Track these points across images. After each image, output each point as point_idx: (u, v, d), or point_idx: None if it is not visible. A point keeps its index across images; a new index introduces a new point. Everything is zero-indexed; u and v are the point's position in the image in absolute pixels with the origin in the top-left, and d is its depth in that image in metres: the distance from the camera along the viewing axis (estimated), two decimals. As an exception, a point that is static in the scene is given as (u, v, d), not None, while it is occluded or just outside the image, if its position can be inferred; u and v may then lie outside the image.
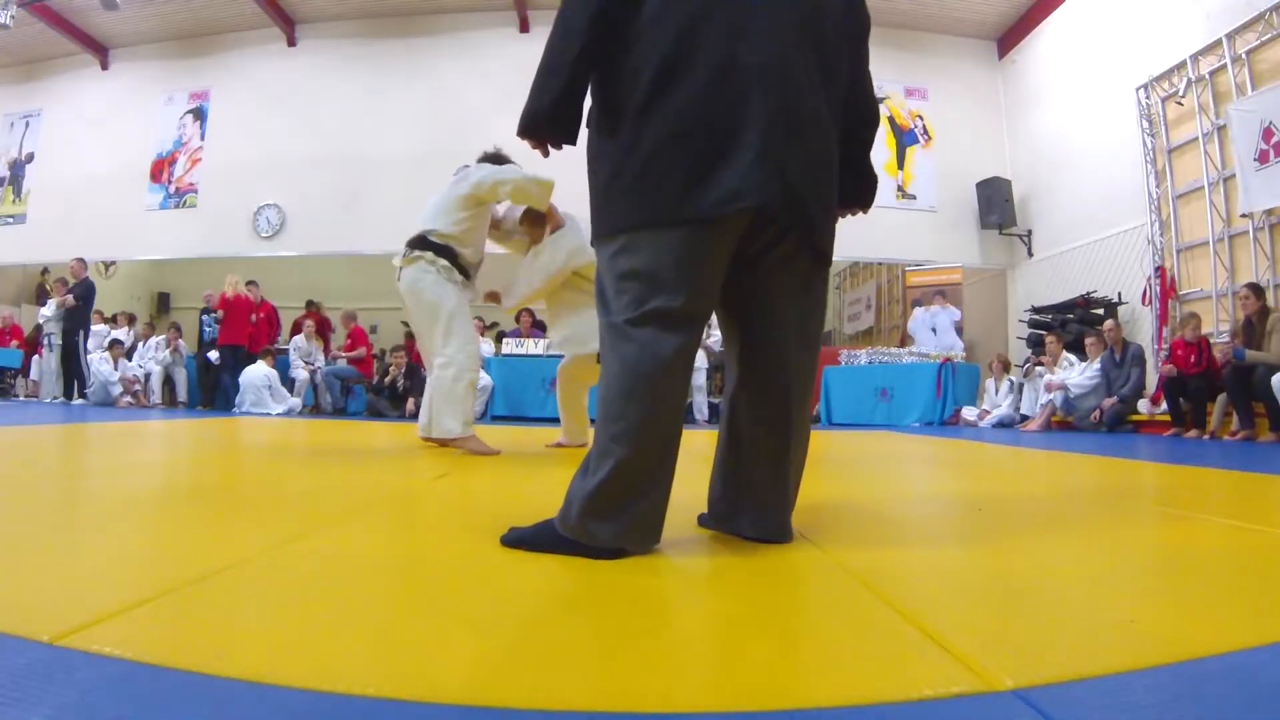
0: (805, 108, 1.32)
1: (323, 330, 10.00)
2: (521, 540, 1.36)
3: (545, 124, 1.35)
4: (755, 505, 1.45)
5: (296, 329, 9.94)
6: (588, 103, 1.39)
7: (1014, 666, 0.75)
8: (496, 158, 3.75)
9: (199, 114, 11.52)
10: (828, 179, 1.38)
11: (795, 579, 1.23)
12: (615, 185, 1.33)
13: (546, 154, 1.43)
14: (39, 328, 10.41)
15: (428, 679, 0.72)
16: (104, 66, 12.11)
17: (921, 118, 10.70)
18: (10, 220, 12.08)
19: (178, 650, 0.78)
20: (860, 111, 1.48)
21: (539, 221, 3.71)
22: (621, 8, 1.30)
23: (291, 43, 11.43)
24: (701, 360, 8.41)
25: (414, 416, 8.32)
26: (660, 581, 1.19)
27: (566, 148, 1.39)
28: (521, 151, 1.62)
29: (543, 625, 0.95)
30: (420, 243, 3.53)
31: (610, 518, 1.28)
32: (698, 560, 1.33)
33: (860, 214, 1.62)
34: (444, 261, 3.50)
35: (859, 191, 1.55)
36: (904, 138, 10.62)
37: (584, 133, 1.40)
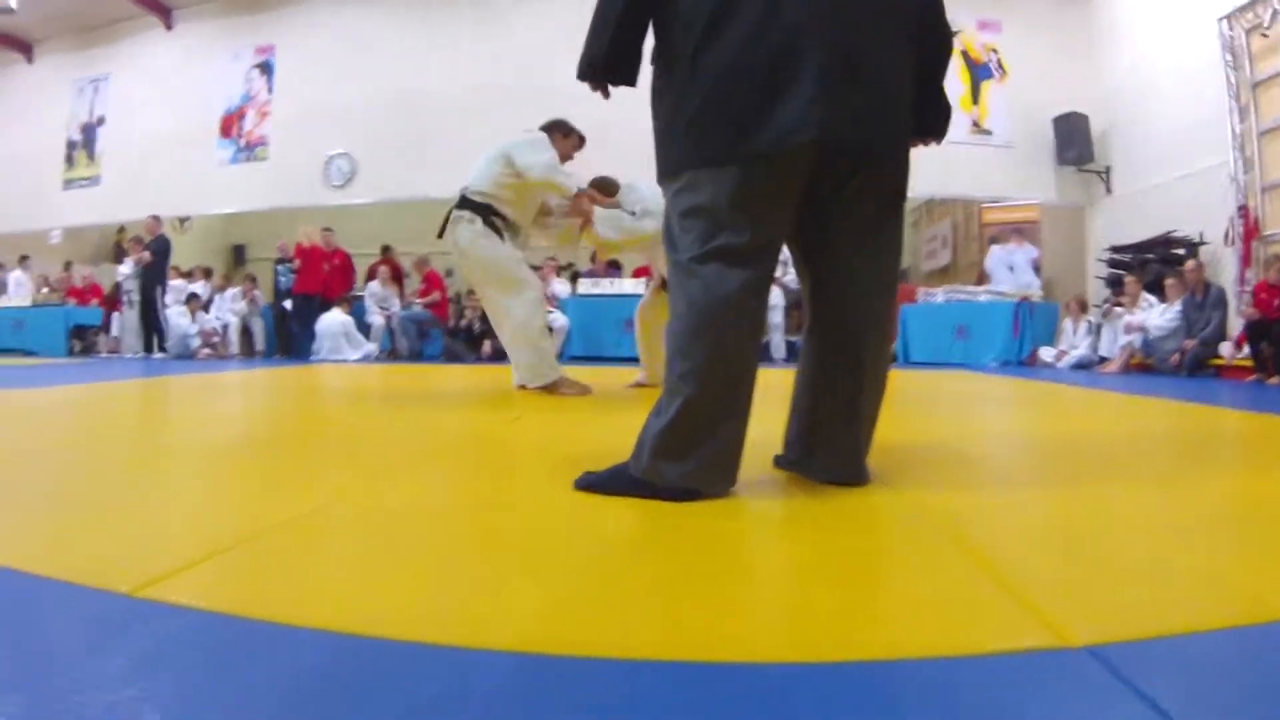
0: (864, 41, 1.35)
1: (397, 276, 10.46)
2: (594, 484, 1.41)
3: (601, 68, 1.44)
4: (830, 447, 1.49)
5: (371, 275, 10.41)
6: (648, 43, 1.46)
7: (1088, 622, 0.75)
8: (553, 126, 3.94)
9: (265, 68, 11.97)
10: (894, 113, 1.41)
11: (870, 524, 1.24)
12: (675, 124, 1.39)
13: (607, 95, 1.50)
14: (118, 285, 11.07)
15: (495, 626, 0.75)
16: (168, 27, 12.59)
17: (996, 51, 10.66)
18: (85, 182, 12.77)
19: (250, 600, 0.83)
20: (929, 40, 1.48)
21: (579, 210, 3.86)
22: None
23: (353, -8, 11.73)
24: (778, 298, 8.66)
25: (490, 359, 8.86)
26: (732, 525, 1.20)
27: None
28: (583, 95, 1.61)
29: (611, 571, 0.98)
30: (462, 203, 3.78)
31: (680, 457, 1.30)
32: (771, 504, 1.35)
33: (934, 144, 1.66)
34: (485, 218, 3.71)
35: (932, 121, 1.57)
36: (978, 72, 10.61)
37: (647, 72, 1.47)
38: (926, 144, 1.63)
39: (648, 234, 3.72)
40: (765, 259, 1.39)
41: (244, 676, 0.65)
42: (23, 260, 12.48)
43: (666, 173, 1.43)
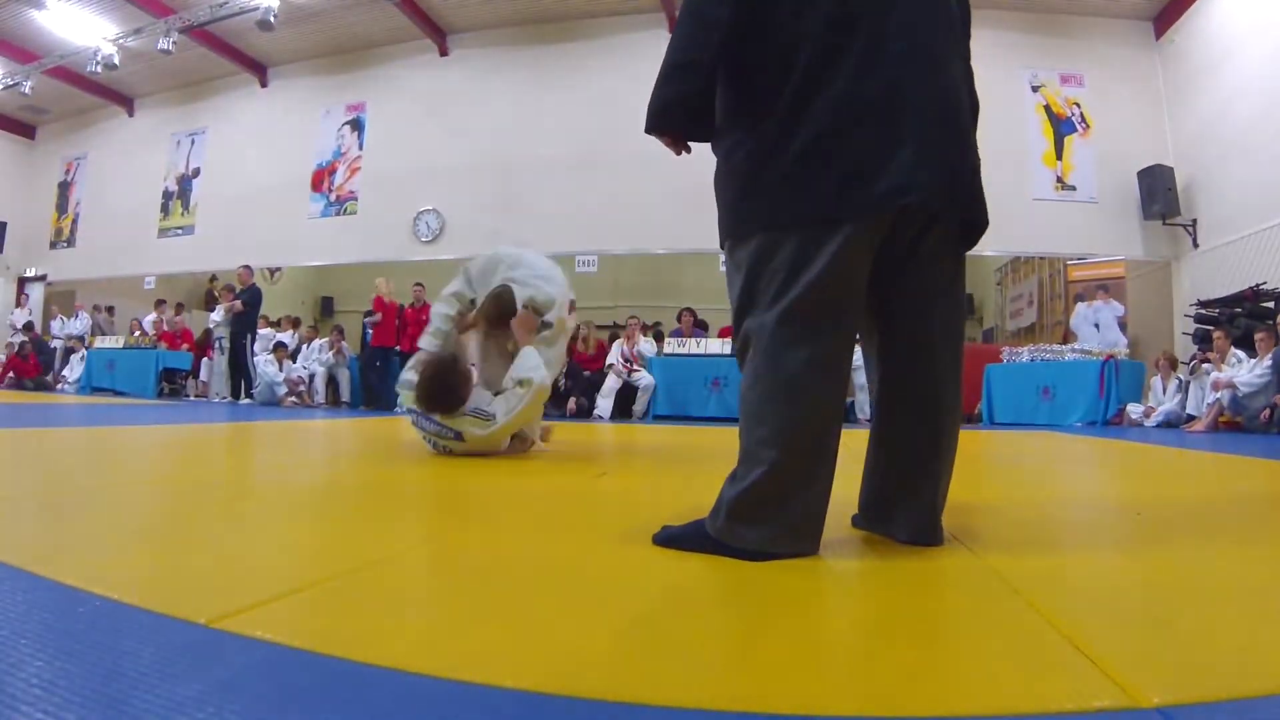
0: (955, 94, 1.42)
1: (483, 330, 11.59)
2: (672, 539, 1.45)
3: (680, 118, 1.46)
4: (905, 506, 1.53)
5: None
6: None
7: (1161, 683, 0.78)
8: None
9: (356, 125, 13.57)
10: (977, 164, 1.47)
11: (944, 582, 1.28)
12: (761, 181, 1.40)
13: (679, 152, 1.53)
14: (208, 331, 12.38)
15: (566, 673, 0.80)
16: (263, 84, 14.39)
17: (1079, 105, 11.53)
18: (180, 231, 14.52)
19: (326, 637, 0.89)
20: (973, 100, 1.54)
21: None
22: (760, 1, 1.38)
23: (444, 53, 13.35)
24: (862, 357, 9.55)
25: (574, 415, 9.90)
26: (806, 582, 1.26)
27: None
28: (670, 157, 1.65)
29: (685, 622, 1.03)
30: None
31: (758, 522, 1.35)
32: (845, 562, 1.40)
33: None
34: None
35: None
36: (1061, 126, 11.49)
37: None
38: None
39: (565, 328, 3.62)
40: (850, 318, 1.42)
41: (314, 710, 0.69)
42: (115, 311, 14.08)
43: (743, 233, 1.44)
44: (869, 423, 1.62)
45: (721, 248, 1.53)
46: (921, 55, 1.39)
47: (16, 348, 13.88)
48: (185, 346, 13.40)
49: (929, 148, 1.36)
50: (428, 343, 3.61)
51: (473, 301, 3.68)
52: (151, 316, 13.51)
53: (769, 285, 1.40)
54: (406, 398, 3.53)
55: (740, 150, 1.44)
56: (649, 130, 1.48)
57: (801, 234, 1.37)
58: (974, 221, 1.49)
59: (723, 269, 1.58)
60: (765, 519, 1.36)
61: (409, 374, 3.53)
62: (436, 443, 3.47)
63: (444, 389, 3.31)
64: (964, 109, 1.46)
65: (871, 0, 1.39)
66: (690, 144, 1.53)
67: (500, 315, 3.54)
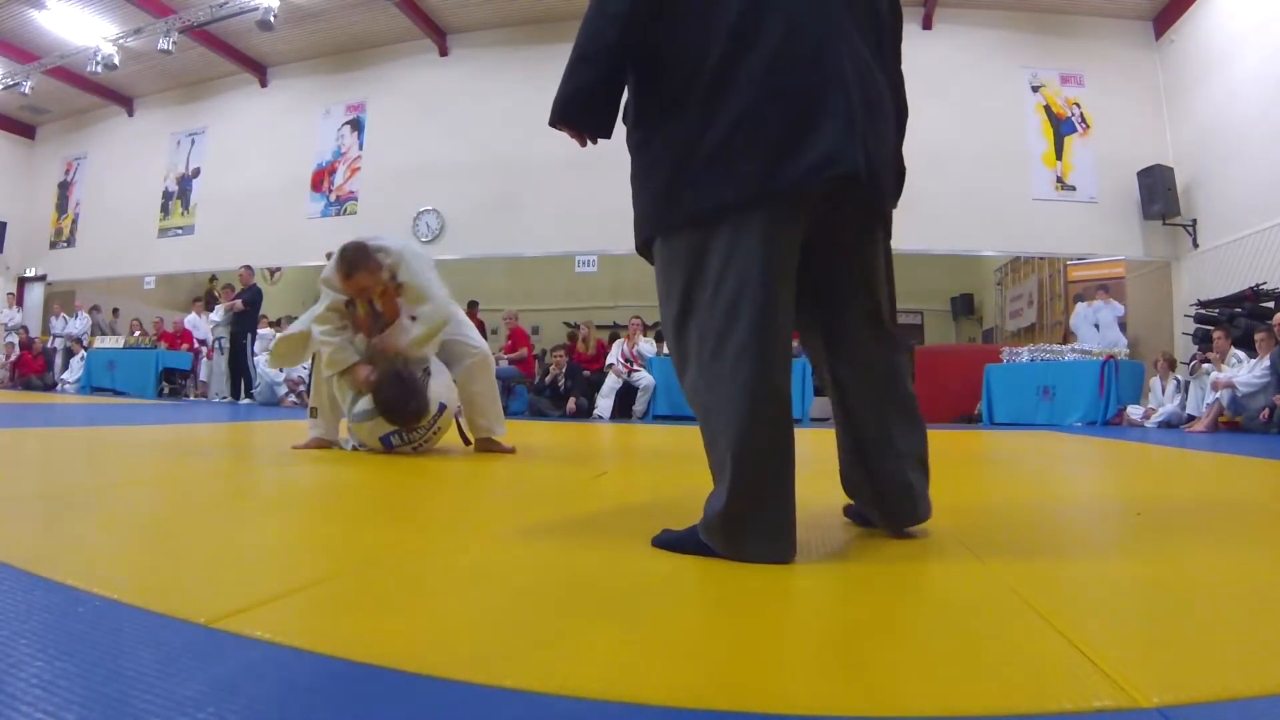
0: (874, 85, 1.44)
1: (482, 331, 11.65)
2: (671, 543, 1.46)
3: (580, 112, 1.43)
4: (887, 489, 1.57)
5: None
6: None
7: (1162, 683, 0.78)
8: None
9: (356, 125, 13.59)
10: (892, 154, 1.49)
11: (944, 582, 1.29)
12: (687, 168, 1.36)
13: (584, 144, 1.49)
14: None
15: (566, 673, 0.80)
16: (263, 84, 14.41)
17: (1079, 105, 11.54)
18: (180, 232, 14.53)
19: (326, 637, 0.89)
20: (900, 105, 1.57)
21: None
22: None
23: (443, 53, 13.37)
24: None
25: (575, 415, 9.92)
26: (805, 582, 1.26)
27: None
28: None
29: (685, 623, 1.03)
30: None
31: (734, 534, 1.35)
32: (845, 562, 1.42)
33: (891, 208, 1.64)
34: None
35: (896, 184, 1.61)
36: (1061, 126, 11.50)
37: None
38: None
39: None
40: (788, 308, 1.40)
41: (314, 709, 0.69)
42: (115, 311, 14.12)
43: (674, 224, 1.41)
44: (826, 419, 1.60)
45: (640, 249, 1.52)
46: (838, 41, 1.39)
47: (26, 345, 13.91)
48: (185, 347, 13.40)
49: (850, 126, 1.35)
50: (339, 363, 3.48)
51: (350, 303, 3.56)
52: (191, 316, 13.39)
53: (709, 283, 1.37)
54: (365, 430, 3.46)
55: (657, 141, 1.43)
56: (551, 123, 1.47)
57: (734, 221, 1.35)
58: (878, 203, 1.50)
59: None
60: (739, 531, 1.36)
61: (360, 408, 3.45)
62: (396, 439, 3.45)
63: (407, 396, 3.30)
64: (884, 100, 1.47)
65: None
66: (596, 138, 1.48)
67: (349, 274, 3.38)
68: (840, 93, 1.35)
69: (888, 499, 1.59)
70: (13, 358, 14.03)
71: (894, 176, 1.55)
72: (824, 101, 1.35)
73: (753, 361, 1.32)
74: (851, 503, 1.71)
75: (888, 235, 1.59)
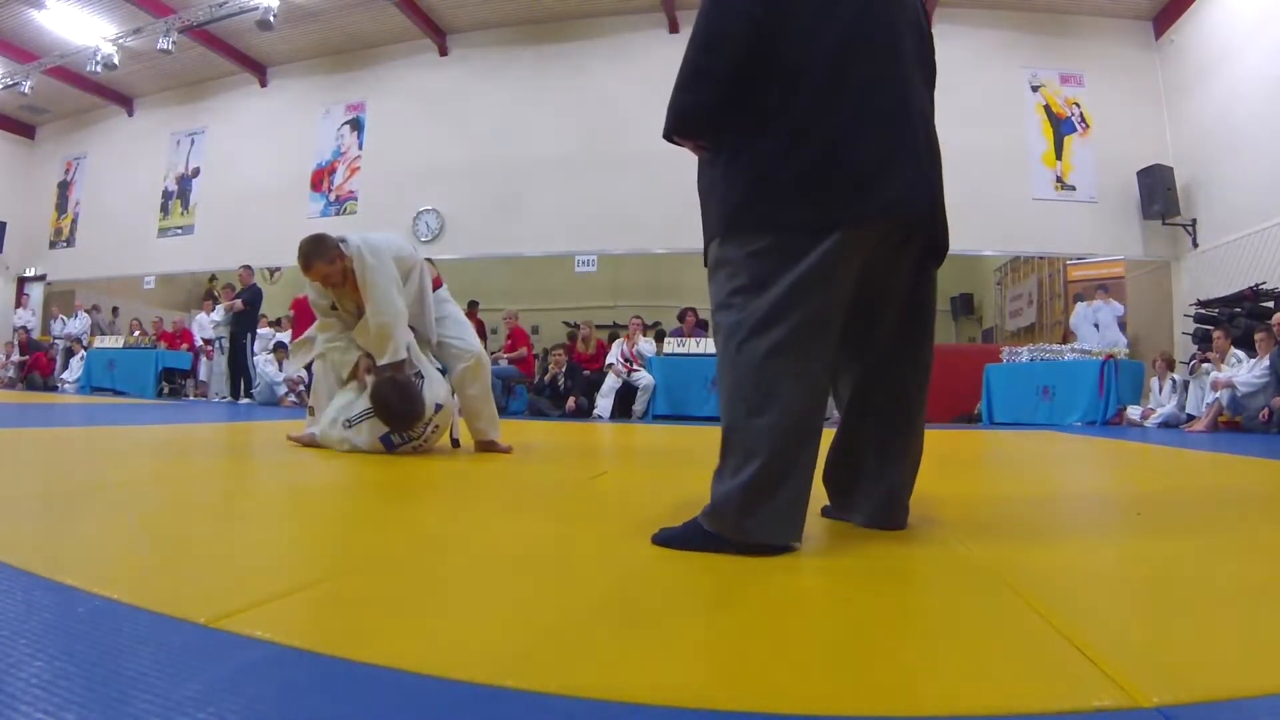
0: (933, 127, 1.62)
1: (482, 332, 11.63)
2: (670, 540, 1.48)
3: (703, 122, 1.53)
4: (866, 494, 1.68)
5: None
6: None
7: (1161, 683, 0.78)
8: None
9: (356, 125, 13.59)
10: (942, 191, 1.62)
11: (943, 581, 1.29)
12: (770, 184, 1.46)
13: (701, 154, 1.59)
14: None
15: (566, 672, 0.80)
16: (263, 84, 14.41)
17: (1078, 105, 11.56)
18: (180, 231, 14.54)
19: (326, 636, 0.89)
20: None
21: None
22: (775, 15, 1.47)
23: (443, 52, 13.37)
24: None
25: (574, 414, 9.92)
26: (803, 581, 1.27)
27: None
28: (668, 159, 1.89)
29: (684, 622, 1.03)
30: None
31: (754, 514, 1.40)
32: (843, 561, 1.42)
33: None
34: None
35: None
36: (1061, 126, 11.52)
37: None
38: None
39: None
40: (837, 319, 1.50)
41: (314, 709, 0.70)
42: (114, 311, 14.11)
43: (746, 229, 1.49)
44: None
45: (708, 245, 1.58)
46: (915, 81, 1.55)
47: (30, 346, 13.92)
48: (185, 346, 13.39)
49: (921, 166, 1.50)
50: (346, 364, 3.60)
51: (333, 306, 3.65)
52: (201, 315, 13.31)
53: (767, 284, 1.45)
54: (364, 430, 3.48)
55: (749, 151, 1.50)
56: (665, 135, 1.56)
57: (806, 238, 1.44)
58: (942, 243, 1.64)
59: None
60: (759, 510, 1.41)
61: (358, 409, 3.50)
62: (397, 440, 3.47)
63: (403, 400, 3.36)
64: (938, 149, 1.61)
65: (883, 25, 1.52)
66: (708, 150, 1.58)
67: (305, 266, 3.43)
68: (914, 138, 1.50)
69: (877, 507, 1.68)
70: (13, 357, 14.00)
71: (944, 212, 1.65)
72: (903, 144, 1.49)
73: (802, 351, 1.44)
74: (829, 505, 1.80)
75: (938, 262, 1.70)
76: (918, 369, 1.68)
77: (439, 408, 3.51)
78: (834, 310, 1.48)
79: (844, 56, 1.47)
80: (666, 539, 1.51)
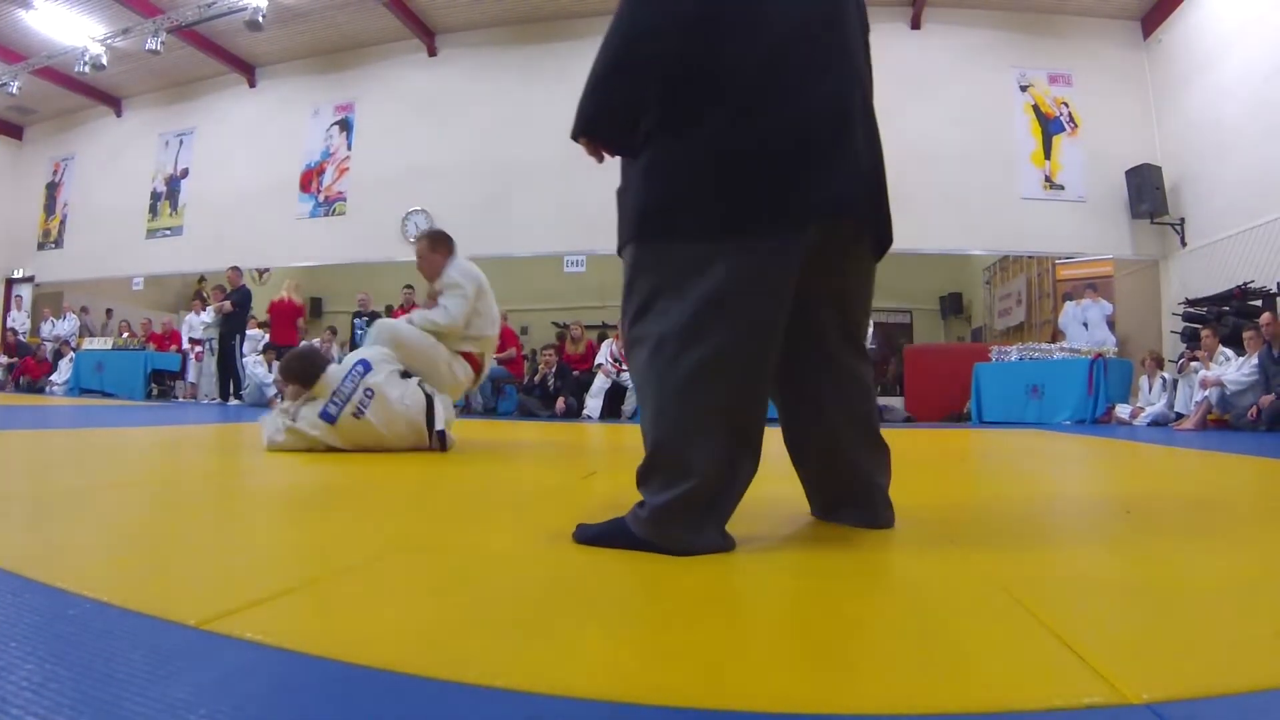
0: (873, 119, 1.55)
1: (473, 331, 11.64)
2: (595, 538, 1.44)
3: (608, 128, 1.45)
4: (856, 494, 1.65)
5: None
6: None
7: (1151, 680, 0.78)
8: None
9: (345, 125, 13.55)
10: (885, 188, 1.57)
11: (933, 580, 1.28)
12: (690, 186, 1.39)
13: (601, 159, 1.49)
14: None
15: (558, 672, 0.80)
16: (251, 84, 14.35)
17: (1067, 104, 11.61)
18: (168, 232, 14.46)
19: (318, 638, 0.89)
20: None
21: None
22: (708, 13, 1.40)
23: (432, 53, 13.35)
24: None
25: (564, 415, 9.92)
26: (794, 580, 1.27)
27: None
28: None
29: (676, 621, 1.03)
30: None
31: (688, 526, 1.36)
32: (834, 560, 1.42)
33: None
34: None
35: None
36: (1050, 125, 11.57)
37: None
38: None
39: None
40: (778, 320, 1.42)
41: (306, 711, 0.70)
42: (110, 312, 14.01)
43: (665, 234, 1.41)
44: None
45: (621, 250, 1.50)
46: (853, 76, 1.48)
47: (18, 350, 13.83)
48: (174, 348, 13.33)
49: (861, 165, 1.44)
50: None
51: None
52: (190, 315, 13.25)
53: (687, 292, 1.38)
54: (305, 418, 3.66)
55: (672, 155, 1.43)
56: (574, 136, 1.46)
57: (733, 242, 1.37)
58: (885, 239, 1.59)
59: None
60: (693, 523, 1.37)
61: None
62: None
63: (302, 357, 3.85)
64: (878, 136, 1.55)
65: (826, 21, 1.46)
66: (616, 154, 1.51)
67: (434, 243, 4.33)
68: (852, 137, 1.44)
69: (862, 508, 1.66)
70: (0, 360, 13.91)
71: (887, 204, 1.61)
72: (839, 145, 1.42)
73: (737, 365, 1.38)
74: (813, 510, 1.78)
75: (881, 252, 1.65)
76: (865, 359, 1.68)
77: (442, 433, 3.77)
78: (768, 315, 1.40)
79: (780, 56, 1.41)
80: (591, 537, 1.46)
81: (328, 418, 3.60)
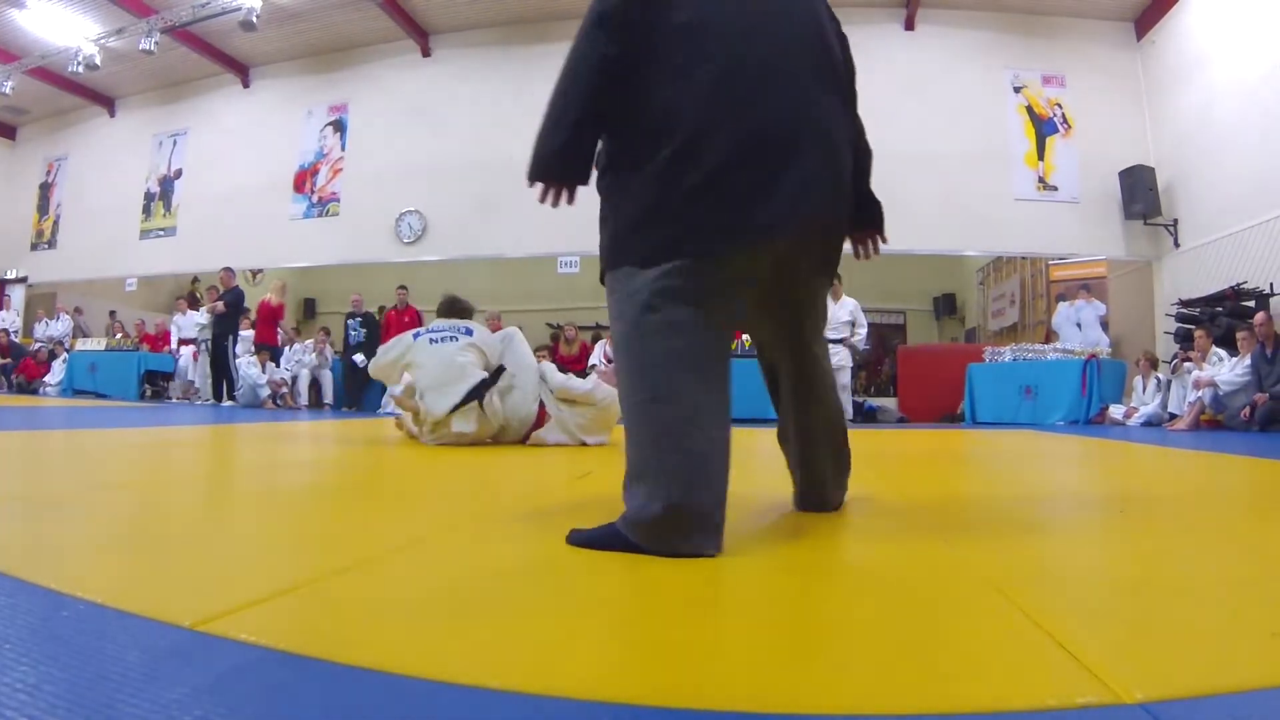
0: (832, 138, 1.59)
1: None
2: (589, 541, 1.47)
3: (559, 167, 1.55)
4: (815, 483, 1.88)
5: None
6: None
7: (1144, 679, 0.78)
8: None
9: (339, 126, 13.53)
10: (847, 202, 1.66)
11: (926, 580, 1.28)
12: (652, 217, 1.48)
13: (556, 204, 1.58)
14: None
15: (554, 673, 0.80)
16: (245, 85, 14.33)
17: (1060, 106, 11.67)
18: (162, 233, 14.43)
19: (313, 639, 0.89)
20: (860, 150, 1.77)
21: None
22: (633, 52, 1.51)
23: (426, 53, 13.35)
24: (846, 358, 9.63)
25: None
26: (789, 580, 1.28)
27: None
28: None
29: (673, 622, 1.03)
30: None
31: (665, 537, 1.39)
32: (827, 560, 1.44)
33: (882, 241, 1.92)
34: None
35: (870, 217, 1.85)
36: (1043, 127, 11.63)
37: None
38: (872, 238, 1.92)
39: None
40: (729, 337, 1.59)
41: (301, 712, 0.70)
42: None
43: (634, 262, 1.50)
44: (850, 422, 1.74)
45: (601, 278, 1.60)
46: (805, 108, 1.54)
47: (9, 349, 13.78)
48: (168, 349, 13.28)
49: (804, 187, 1.50)
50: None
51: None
52: (176, 315, 13.20)
53: (657, 313, 1.46)
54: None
55: (630, 187, 1.52)
56: (530, 181, 1.58)
57: (691, 265, 1.46)
58: (831, 261, 1.72)
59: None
60: (680, 528, 1.40)
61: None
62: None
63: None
64: (841, 151, 1.62)
65: (759, 47, 1.53)
66: (573, 191, 1.60)
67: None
68: (796, 156, 1.50)
69: (817, 488, 1.89)
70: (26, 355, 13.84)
71: (863, 215, 1.81)
72: (782, 164, 1.49)
73: (698, 376, 1.46)
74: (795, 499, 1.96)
75: (829, 273, 1.77)
76: (823, 366, 1.84)
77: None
78: (697, 340, 1.48)
79: (719, 92, 1.48)
80: (586, 540, 1.49)
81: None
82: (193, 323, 12.41)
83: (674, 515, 1.39)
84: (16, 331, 14.71)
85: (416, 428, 4.35)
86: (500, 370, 4.29)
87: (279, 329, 11.82)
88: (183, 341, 12.60)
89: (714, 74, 1.49)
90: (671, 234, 1.47)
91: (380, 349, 4.65)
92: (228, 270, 11.34)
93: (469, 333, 4.45)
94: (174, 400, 12.58)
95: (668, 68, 1.50)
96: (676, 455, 1.42)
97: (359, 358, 10.91)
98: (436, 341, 4.37)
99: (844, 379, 9.53)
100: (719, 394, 1.50)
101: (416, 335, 4.49)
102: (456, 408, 4.05)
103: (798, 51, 1.59)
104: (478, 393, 4.09)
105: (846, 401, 9.50)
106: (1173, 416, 8.29)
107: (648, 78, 1.51)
